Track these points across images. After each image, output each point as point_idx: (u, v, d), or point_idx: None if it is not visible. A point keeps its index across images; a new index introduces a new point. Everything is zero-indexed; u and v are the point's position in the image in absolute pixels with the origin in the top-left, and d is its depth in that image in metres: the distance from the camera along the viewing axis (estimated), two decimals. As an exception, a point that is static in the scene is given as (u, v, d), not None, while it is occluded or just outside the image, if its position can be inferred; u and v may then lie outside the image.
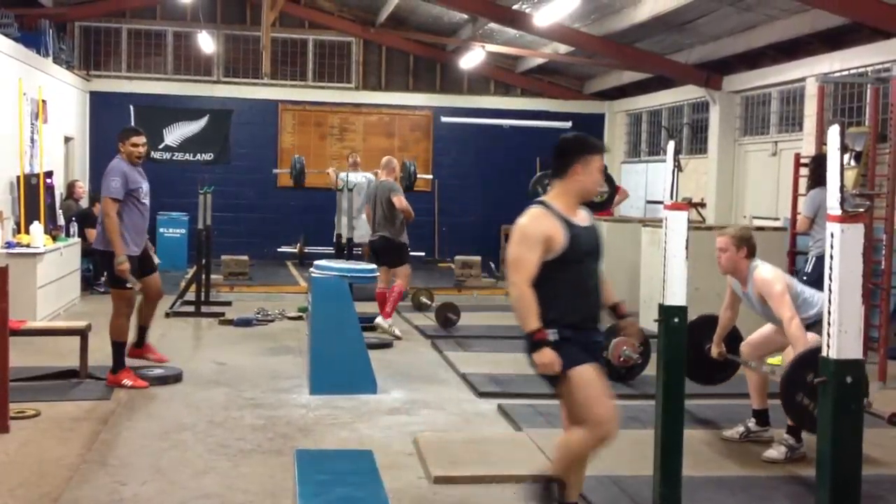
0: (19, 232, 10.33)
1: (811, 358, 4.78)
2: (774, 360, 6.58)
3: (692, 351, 5.73)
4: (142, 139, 7.10)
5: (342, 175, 12.09)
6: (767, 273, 5.51)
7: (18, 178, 10.98)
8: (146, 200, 7.09)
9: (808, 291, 5.64)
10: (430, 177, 15.70)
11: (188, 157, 16.10)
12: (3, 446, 5.38)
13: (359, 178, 12.90)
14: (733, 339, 6.10)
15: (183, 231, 15.28)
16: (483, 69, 16.45)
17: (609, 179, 11.16)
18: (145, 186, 7.08)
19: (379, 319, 9.53)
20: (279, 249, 15.90)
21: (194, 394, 6.82)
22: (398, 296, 9.69)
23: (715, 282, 9.22)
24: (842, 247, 3.16)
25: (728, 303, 5.93)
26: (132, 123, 15.77)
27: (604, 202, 11.03)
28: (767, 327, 5.86)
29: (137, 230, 6.99)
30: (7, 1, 12.63)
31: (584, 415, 3.93)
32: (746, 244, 5.61)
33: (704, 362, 6.07)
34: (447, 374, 7.82)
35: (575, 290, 3.96)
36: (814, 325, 5.32)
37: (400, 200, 9.43)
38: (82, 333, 7.14)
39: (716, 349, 6.01)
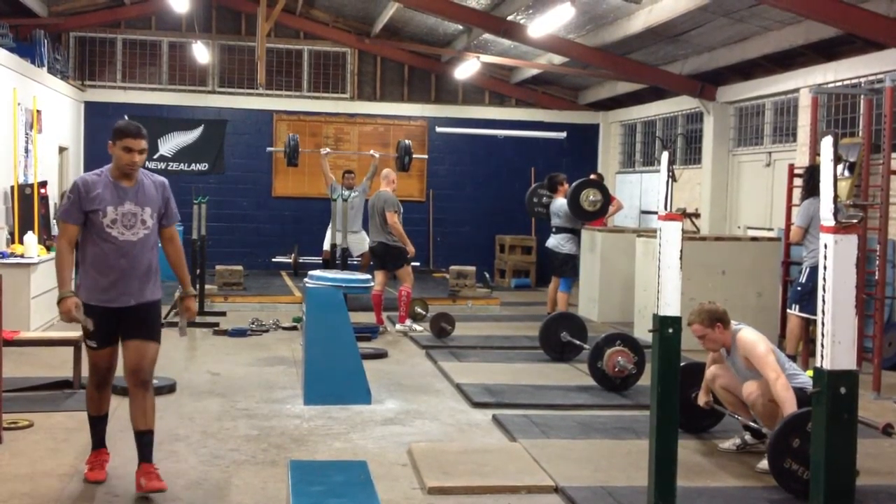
0: (13, 242, 10.30)
1: (797, 423, 4.82)
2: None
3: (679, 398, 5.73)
4: (139, 143, 4.92)
5: (335, 185, 12.22)
6: (751, 335, 5.52)
7: (12, 188, 10.96)
8: (116, 231, 4.89)
9: (792, 368, 5.67)
10: (425, 156, 15.62)
11: (183, 167, 16.08)
12: (-5, 457, 5.35)
13: (353, 194, 13.07)
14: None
15: (177, 241, 15.21)
16: (478, 80, 16.48)
17: (604, 189, 11.18)
18: (118, 210, 4.89)
19: (398, 326, 10.41)
20: (273, 259, 15.88)
21: (188, 404, 6.80)
22: (408, 298, 10.53)
23: (709, 292, 9.28)
24: (835, 257, 3.16)
25: (714, 356, 5.92)
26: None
27: (597, 211, 11.02)
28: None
29: (102, 271, 4.91)
30: (2, 11, 12.64)
31: None
32: (719, 318, 5.60)
33: (691, 410, 6.04)
34: (441, 384, 7.81)
35: None
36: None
37: (391, 217, 10.26)
38: (76, 344, 7.11)
39: (703, 398, 5.99)
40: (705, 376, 5.95)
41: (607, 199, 11.03)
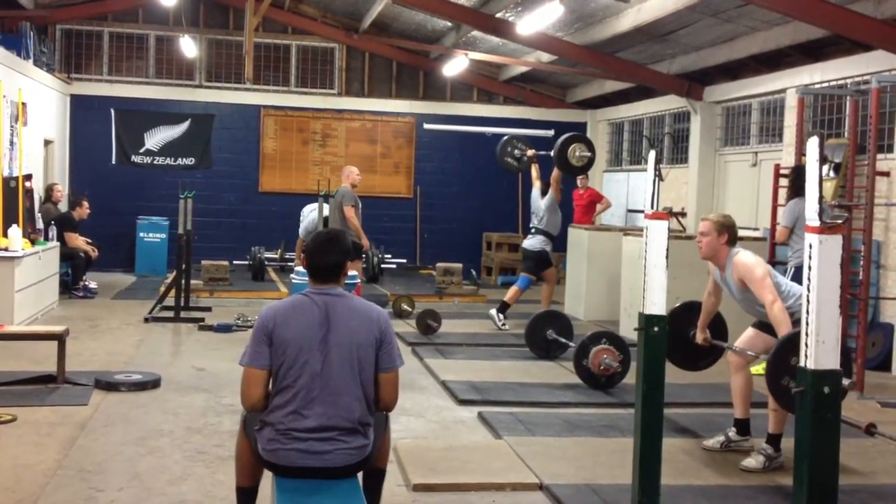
0: (-3, 235, 10.23)
1: (795, 341, 4.82)
2: (757, 369, 6.61)
3: (677, 338, 5.79)
4: None
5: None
6: (749, 258, 5.54)
7: (-3, 180, 10.88)
8: None
9: (786, 283, 5.68)
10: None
11: (169, 161, 16.02)
12: (-22, 452, 5.32)
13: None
14: (717, 325, 6.11)
15: (163, 236, 15.20)
16: (466, 77, 16.48)
17: (591, 146, 10.75)
18: None
19: None
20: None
21: (173, 400, 6.78)
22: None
23: (695, 291, 9.29)
24: (820, 258, 3.17)
25: (710, 289, 5.95)
26: (113, 127, 15.75)
27: (583, 167, 10.71)
28: (750, 332, 5.88)
29: None
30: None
31: None
32: (728, 231, 5.63)
33: (689, 348, 6.07)
34: (427, 381, 7.81)
35: None
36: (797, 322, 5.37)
37: (348, 210, 10.55)
38: (60, 338, 7.08)
39: (700, 335, 6.03)
40: (703, 311, 5.97)
41: (594, 154, 10.69)
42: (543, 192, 10.92)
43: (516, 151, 11.71)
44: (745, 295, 5.58)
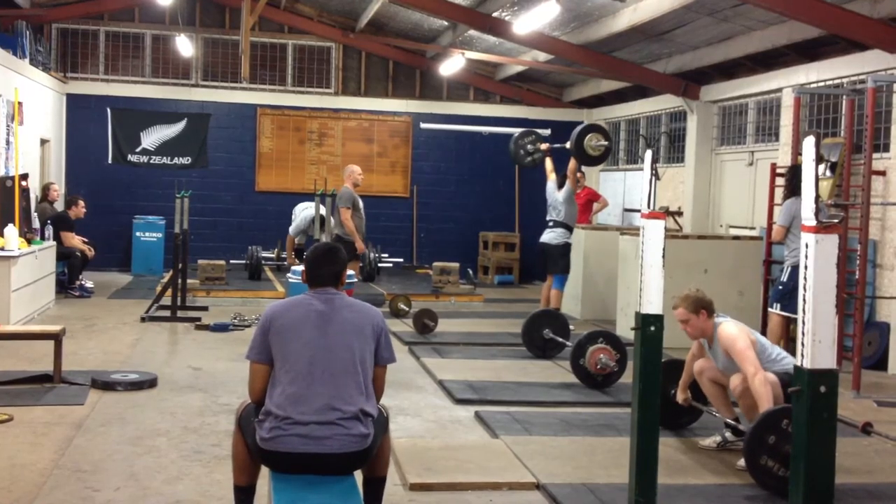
0: (-7, 235, 10.21)
1: (772, 420, 4.85)
2: None
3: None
4: None
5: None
6: (731, 329, 5.53)
7: (-7, 180, 10.86)
8: None
9: (776, 351, 5.68)
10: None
11: (165, 160, 16.00)
12: (-26, 451, 5.31)
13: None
14: (698, 385, 6.08)
15: (159, 235, 15.19)
16: (462, 76, 16.47)
17: (607, 135, 10.34)
18: None
19: None
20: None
21: (169, 399, 6.77)
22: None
23: (691, 290, 9.28)
24: (816, 257, 3.18)
25: (695, 351, 5.94)
26: (109, 126, 15.74)
27: (600, 156, 10.29)
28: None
29: None
30: (-17, 2, 12.53)
31: None
32: (703, 305, 5.61)
33: (669, 407, 6.04)
34: (424, 380, 7.81)
35: None
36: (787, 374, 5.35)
37: (343, 213, 10.71)
38: (56, 337, 7.07)
39: (681, 395, 6.03)
40: (685, 371, 5.98)
41: (610, 143, 10.46)
42: (560, 185, 10.77)
43: (529, 146, 11.61)
44: (729, 364, 5.59)
